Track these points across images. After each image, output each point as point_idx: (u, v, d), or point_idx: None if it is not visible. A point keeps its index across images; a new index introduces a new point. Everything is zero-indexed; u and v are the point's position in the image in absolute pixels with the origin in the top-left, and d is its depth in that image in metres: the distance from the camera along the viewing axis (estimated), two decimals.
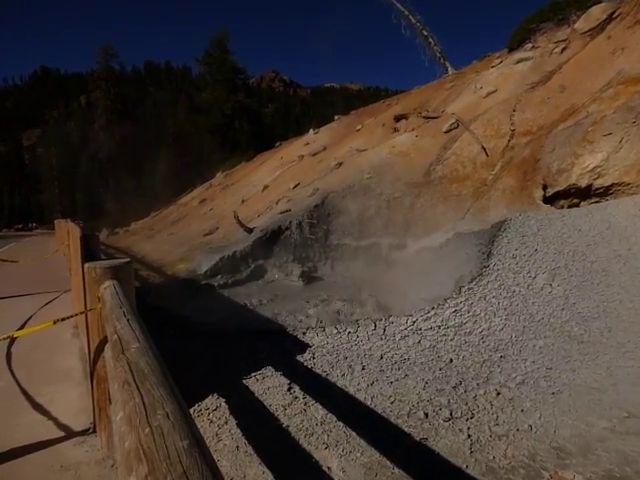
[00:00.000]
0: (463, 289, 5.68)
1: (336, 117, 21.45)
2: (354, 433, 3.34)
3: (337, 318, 6.50)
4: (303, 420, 3.52)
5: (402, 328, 5.17)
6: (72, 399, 3.05)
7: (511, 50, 13.73)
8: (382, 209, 9.48)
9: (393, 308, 6.28)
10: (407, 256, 8.34)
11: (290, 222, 9.67)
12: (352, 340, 5.04)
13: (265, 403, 3.79)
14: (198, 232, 12.26)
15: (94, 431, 2.62)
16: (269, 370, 4.35)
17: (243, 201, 14.15)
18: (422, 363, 4.51)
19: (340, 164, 11.90)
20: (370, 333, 5.13)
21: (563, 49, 11.40)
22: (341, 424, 3.46)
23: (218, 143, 32.01)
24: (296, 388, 4.00)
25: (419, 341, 4.92)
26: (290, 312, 6.89)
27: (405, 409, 3.73)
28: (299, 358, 4.71)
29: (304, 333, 5.29)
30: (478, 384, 4.05)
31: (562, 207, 7.65)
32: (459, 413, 3.64)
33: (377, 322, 5.34)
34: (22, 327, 4.50)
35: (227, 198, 16.66)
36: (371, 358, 4.66)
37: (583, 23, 11.40)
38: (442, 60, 20.29)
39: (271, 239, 9.37)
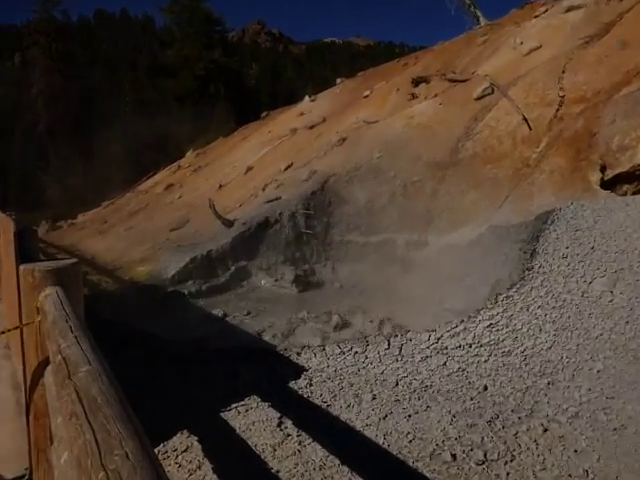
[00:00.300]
0: (500, 297, 5.69)
1: (338, 80, 21.42)
2: None
3: (340, 334, 6.52)
4: (297, 464, 3.51)
5: (423, 347, 5.17)
6: (2, 438, 3.03)
7: None
8: (397, 197, 9.47)
9: (411, 321, 6.28)
10: (429, 256, 8.34)
11: (280, 213, 9.67)
12: (360, 362, 5.04)
13: (249, 442, 3.78)
14: (163, 226, 12.24)
15: (30, 478, 2.60)
16: (254, 400, 4.35)
17: (220, 187, 14.13)
18: (448, 391, 4.52)
19: (343, 140, 11.88)
20: (382, 353, 5.12)
21: None
22: (345, 468, 3.45)
23: (188, 113, 31.94)
24: (288, 423, 4.00)
25: (445, 363, 4.92)
26: (281, 327, 6.90)
27: (427, 449, 3.72)
28: (292, 385, 4.72)
29: (299, 353, 5.30)
30: (520, 418, 4.05)
31: (625, 193, 7.65)
32: (496, 454, 3.64)
33: (391, 339, 5.34)
34: None
35: (200, 183, 16.64)
36: (384, 385, 4.66)
37: None
38: (472, 8, 20.24)
39: (256, 235, 9.38)
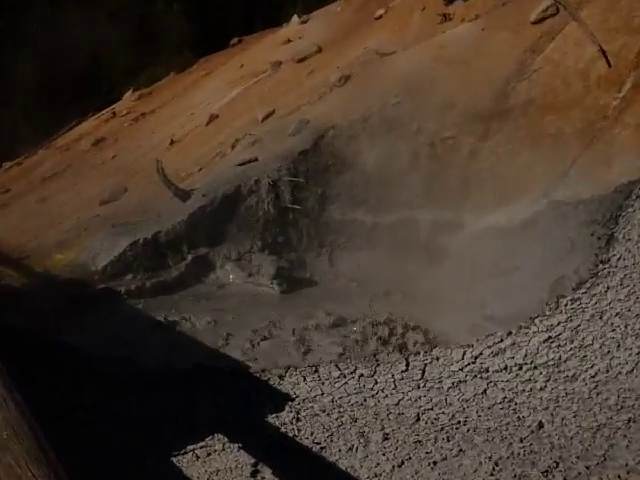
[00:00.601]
0: (563, 301, 5.71)
1: None
2: None
3: (340, 351, 6.55)
4: None
5: (455, 368, 5.18)
6: None
7: None
8: (421, 159, 9.45)
9: (439, 333, 6.31)
10: (464, 242, 8.36)
11: (257, 181, 9.61)
12: (367, 389, 5.06)
13: None
14: (91, 197, 12.16)
15: None
16: (219, 441, 4.36)
17: (172, 143, 14.03)
18: (490, 429, 4.54)
19: (347, 78, 11.79)
20: (398, 377, 5.14)
21: None
22: None
23: (127, 38, 31.55)
24: (267, 472, 4.01)
25: (484, 391, 4.95)
26: (256, 340, 6.94)
27: None
28: (272, 420, 4.73)
29: (281, 376, 5.32)
30: (588, 467, 4.08)
31: None
32: None
33: (411, 358, 5.36)
34: None
35: (143, 137, 16.51)
36: (400, 420, 4.68)
37: None
38: None
39: (223, 211, 9.35)
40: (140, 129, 17.92)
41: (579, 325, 5.45)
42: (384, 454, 4.27)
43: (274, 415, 4.76)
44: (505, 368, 5.17)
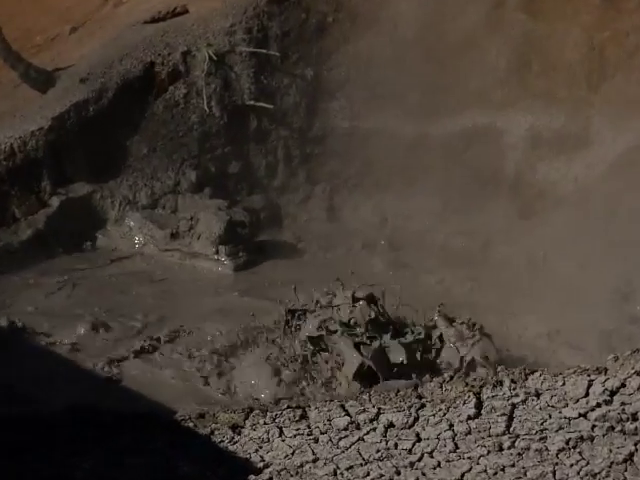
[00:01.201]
0: None
1: None
2: None
3: (344, 381, 6.56)
4: None
5: (572, 413, 5.15)
6: None
7: None
8: (507, 12, 9.39)
9: (539, 345, 6.34)
10: (589, 176, 8.38)
11: (187, 54, 9.55)
12: (400, 451, 5.10)
13: None
14: None
15: None
16: None
17: None
18: None
19: None
20: (462, 428, 5.16)
21: None
22: None
23: None
24: None
25: (631, 457, 4.93)
26: (188, 361, 7.07)
27: None
28: None
29: (236, 428, 5.37)
30: None
31: None
32: None
33: (485, 392, 5.36)
34: None
35: None
36: None
37: None
38: None
39: (120, 111, 9.35)
40: None
41: None
42: None
43: None
44: None
